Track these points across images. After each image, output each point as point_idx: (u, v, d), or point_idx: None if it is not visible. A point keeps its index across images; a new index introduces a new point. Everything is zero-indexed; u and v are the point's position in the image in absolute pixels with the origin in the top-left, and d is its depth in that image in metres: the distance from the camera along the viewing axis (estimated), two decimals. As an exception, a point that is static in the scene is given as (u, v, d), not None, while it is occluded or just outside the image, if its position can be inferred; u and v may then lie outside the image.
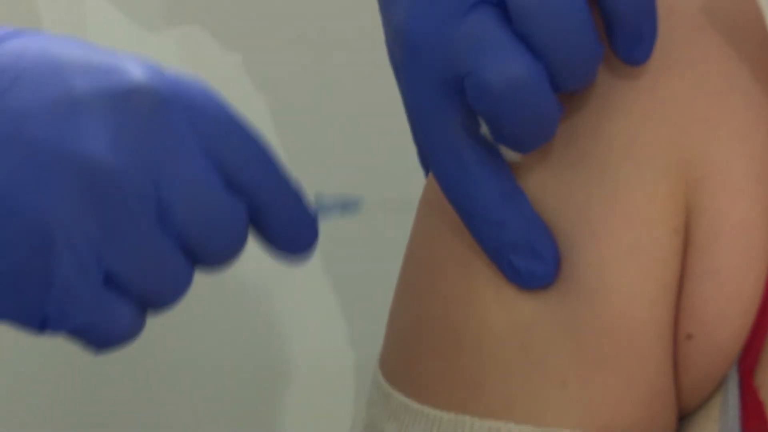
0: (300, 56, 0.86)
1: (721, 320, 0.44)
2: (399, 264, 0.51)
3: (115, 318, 0.39)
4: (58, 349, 0.85)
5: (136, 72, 0.39)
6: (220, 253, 0.41)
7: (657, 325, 0.44)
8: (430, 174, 0.49)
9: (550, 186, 0.45)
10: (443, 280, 0.46)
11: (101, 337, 0.40)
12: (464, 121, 0.43)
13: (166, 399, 0.92)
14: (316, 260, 0.84)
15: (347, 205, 0.46)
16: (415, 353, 0.47)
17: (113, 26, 0.88)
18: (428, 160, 0.45)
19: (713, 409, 0.44)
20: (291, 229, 0.42)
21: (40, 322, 0.39)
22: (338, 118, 0.86)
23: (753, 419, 0.43)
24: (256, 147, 0.41)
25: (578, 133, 0.45)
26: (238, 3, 0.86)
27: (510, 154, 0.45)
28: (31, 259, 0.38)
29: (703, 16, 0.46)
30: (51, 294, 0.38)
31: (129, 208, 0.39)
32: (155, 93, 0.39)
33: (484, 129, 0.44)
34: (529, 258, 0.44)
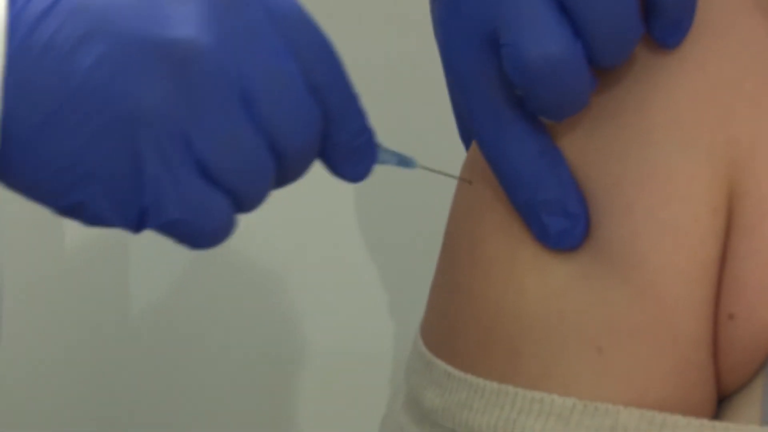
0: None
1: (764, 301, 0.44)
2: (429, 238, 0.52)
3: (210, 210, 0.39)
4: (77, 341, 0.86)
5: None
6: (297, 154, 0.41)
7: (691, 301, 0.44)
8: (472, 147, 0.50)
9: (589, 154, 0.45)
10: (482, 249, 0.47)
11: (197, 230, 0.40)
12: (502, 79, 0.44)
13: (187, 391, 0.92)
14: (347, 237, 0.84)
15: (403, 159, 0.46)
16: (456, 322, 0.48)
17: None
18: (466, 116, 0.45)
19: (756, 390, 0.44)
20: (355, 143, 0.42)
21: (137, 218, 0.39)
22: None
23: (796, 399, 0.43)
24: (330, 51, 0.41)
25: (624, 106, 0.45)
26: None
27: None
28: (123, 149, 0.38)
29: (754, 0, 0.46)
30: (145, 186, 0.38)
31: (217, 94, 0.39)
32: None
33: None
34: (560, 217, 0.44)
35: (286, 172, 0.41)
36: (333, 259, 0.89)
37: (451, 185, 0.50)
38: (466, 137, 0.51)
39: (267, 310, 0.92)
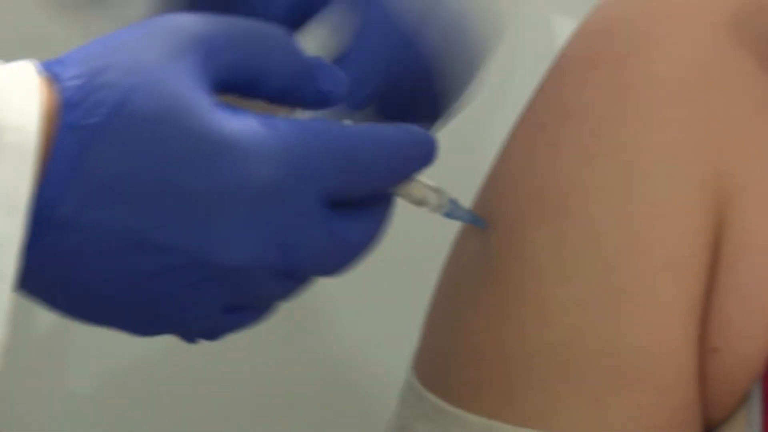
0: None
1: (746, 334, 0.44)
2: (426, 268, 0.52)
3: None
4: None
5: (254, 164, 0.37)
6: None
7: (689, 339, 0.45)
8: (485, 181, 0.51)
9: (592, 196, 0.46)
10: (487, 291, 0.47)
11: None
12: None
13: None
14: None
15: (475, 219, 0.47)
16: (453, 360, 0.48)
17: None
18: None
19: (739, 423, 0.45)
20: None
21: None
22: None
23: (776, 433, 0.44)
24: None
25: (620, 143, 0.46)
26: None
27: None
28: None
29: (743, 31, 0.47)
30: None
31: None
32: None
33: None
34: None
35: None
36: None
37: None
38: None
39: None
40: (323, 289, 0.86)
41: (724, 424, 0.46)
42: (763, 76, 0.46)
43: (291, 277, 0.39)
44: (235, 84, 0.38)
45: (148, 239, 0.36)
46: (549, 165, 0.47)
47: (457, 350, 0.48)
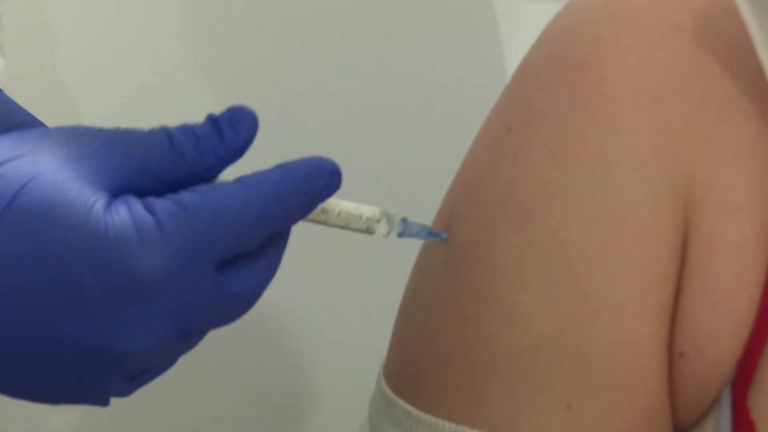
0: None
1: (714, 339, 0.44)
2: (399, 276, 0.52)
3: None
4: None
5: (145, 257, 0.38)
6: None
7: (658, 343, 0.44)
8: (444, 200, 0.51)
9: (559, 200, 0.45)
10: (453, 296, 0.47)
11: None
12: None
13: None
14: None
15: (434, 234, 0.48)
16: (421, 364, 0.48)
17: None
18: None
19: (707, 428, 0.45)
20: None
21: None
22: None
23: (745, 438, 0.44)
24: None
25: (585, 147, 0.45)
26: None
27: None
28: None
29: (708, 35, 0.46)
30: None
31: None
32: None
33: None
34: None
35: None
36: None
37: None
38: None
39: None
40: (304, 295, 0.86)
41: (693, 429, 0.46)
42: (729, 79, 0.46)
43: (187, 339, 0.40)
44: (142, 185, 0.39)
45: (41, 334, 0.37)
46: (515, 169, 0.47)
47: (424, 355, 0.48)
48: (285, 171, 0.41)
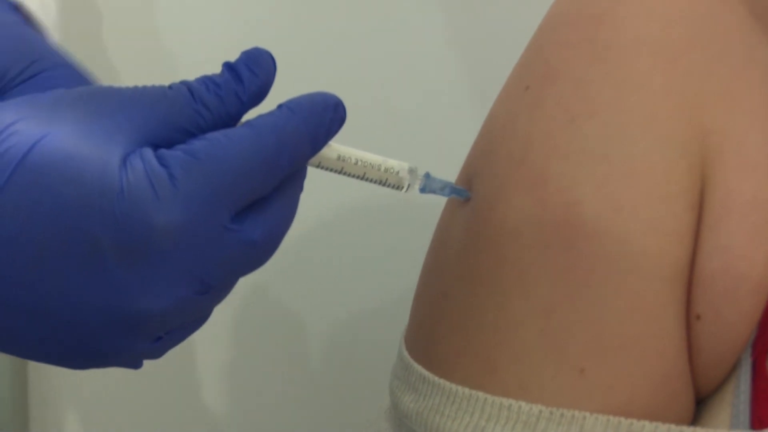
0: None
1: (729, 300, 0.42)
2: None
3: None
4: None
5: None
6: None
7: (674, 305, 0.43)
8: (466, 158, 0.50)
9: (573, 159, 0.44)
10: (469, 258, 0.46)
11: None
12: None
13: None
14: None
15: (456, 191, 0.48)
16: (437, 329, 0.47)
17: None
18: None
19: (727, 392, 0.43)
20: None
21: None
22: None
23: (763, 402, 0.42)
24: None
25: (599, 105, 0.44)
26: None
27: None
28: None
29: None
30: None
31: None
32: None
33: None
34: None
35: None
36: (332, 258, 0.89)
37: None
38: None
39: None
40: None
41: (714, 393, 0.44)
42: (746, 33, 0.45)
43: (210, 292, 0.39)
44: (169, 138, 0.39)
45: (57, 294, 0.37)
46: (531, 127, 0.46)
47: (440, 319, 0.47)
48: (289, 109, 0.40)
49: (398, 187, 0.45)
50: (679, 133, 0.43)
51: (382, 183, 0.45)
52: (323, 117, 0.41)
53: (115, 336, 0.38)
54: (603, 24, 0.45)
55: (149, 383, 0.93)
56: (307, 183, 0.43)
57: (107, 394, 0.94)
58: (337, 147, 0.44)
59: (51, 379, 0.95)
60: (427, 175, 0.46)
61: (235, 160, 0.38)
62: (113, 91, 0.39)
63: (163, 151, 0.38)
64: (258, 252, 0.40)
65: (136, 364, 0.41)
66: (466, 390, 0.45)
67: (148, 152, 0.38)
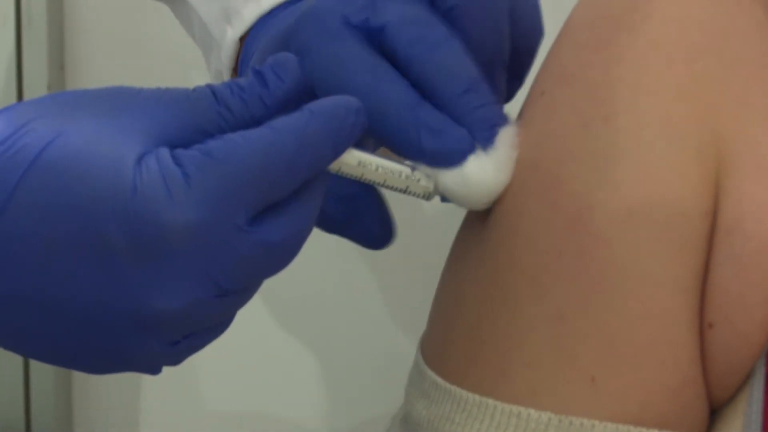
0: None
1: (742, 308, 0.42)
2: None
3: None
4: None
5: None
6: None
7: (687, 313, 0.42)
8: None
9: (587, 163, 0.44)
10: (484, 264, 0.46)
11: None
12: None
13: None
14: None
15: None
16: (450, 335, 0.47)
17: None
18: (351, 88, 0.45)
19: (741, 401, 0.43)
20: None
21: None
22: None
23: (775, 412, 0.41)
24: None
25: (615, 109, 0.44)
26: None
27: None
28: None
29: None
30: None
31: None
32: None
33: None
34: (437, 137, 0.44)
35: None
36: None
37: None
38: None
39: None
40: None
41: (729, 402, 0.44)
42: (763, 37, 0.44)
43: (229, 295, 0.39)
44: (189, 140, 0.39)
45: (69, 293, 0.37)
46: (545, 131, 0.45)
47: (453, 325, 0.47)
48: (311, 112, 0.40)
49: (421, 195, 0.45)
50: (694, 138, 0.43)
51: (403, 191, 0.45)
52: (345, 121, 0.41)
53: (128, 335, 0.38)
54: (619, 28, 0.45)
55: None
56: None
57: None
58: (357, 153, 0.43)
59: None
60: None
61: (251, 160, 0.38)
62: (134, 91, 0.39)
63: (179, 151, 0.38)
64: (276, 255, 0.40)
65: (153, 369, 0.41)
66: (477, 397, 0.45)
67: (165, 152, 0.37)
